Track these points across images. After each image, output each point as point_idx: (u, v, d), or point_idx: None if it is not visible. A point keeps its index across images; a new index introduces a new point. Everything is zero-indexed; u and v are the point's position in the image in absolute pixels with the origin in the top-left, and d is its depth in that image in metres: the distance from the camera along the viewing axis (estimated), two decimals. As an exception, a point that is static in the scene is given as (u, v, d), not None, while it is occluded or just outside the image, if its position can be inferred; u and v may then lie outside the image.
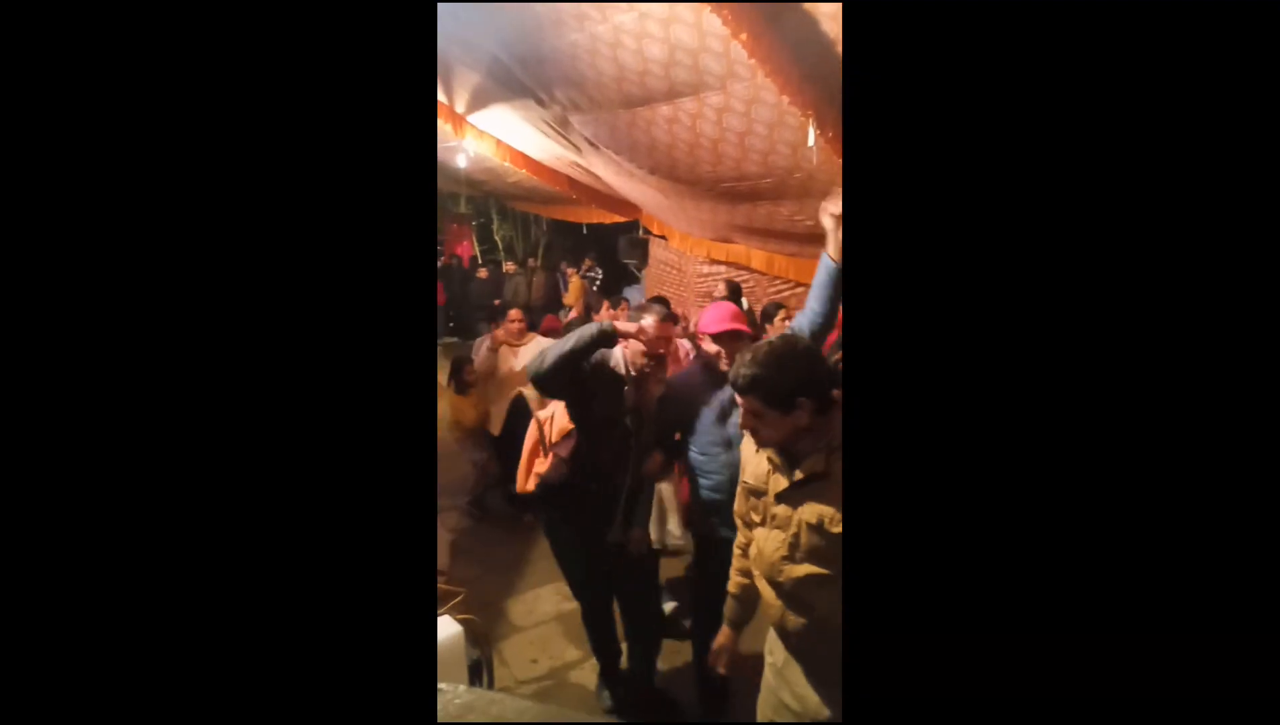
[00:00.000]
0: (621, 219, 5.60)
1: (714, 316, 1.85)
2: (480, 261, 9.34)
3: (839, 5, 1.77)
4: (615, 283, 7.18)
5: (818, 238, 3.64)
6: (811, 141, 2.21)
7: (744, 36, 1.87)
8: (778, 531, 1.16)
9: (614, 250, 6.77)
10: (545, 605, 2.73)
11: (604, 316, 4.06)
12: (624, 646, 2.09)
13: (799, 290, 4.14)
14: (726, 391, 1.78)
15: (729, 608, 1.43)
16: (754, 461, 1.24)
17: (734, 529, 1.40)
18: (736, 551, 1.41)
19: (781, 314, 3.24)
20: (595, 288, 7.15)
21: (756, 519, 1.24)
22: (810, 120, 2.13)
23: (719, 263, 4.54)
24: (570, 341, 1.66)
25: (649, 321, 1.75)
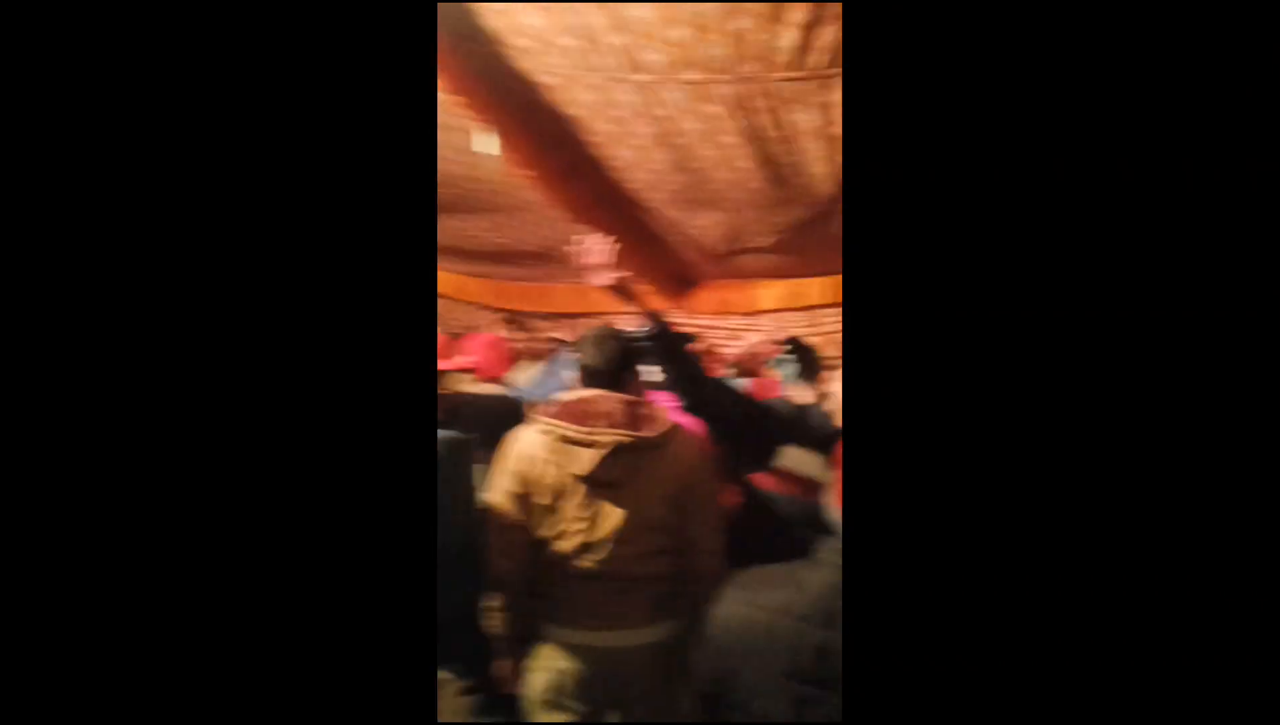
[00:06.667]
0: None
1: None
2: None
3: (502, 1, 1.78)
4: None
5: (511, 256, 3.71)
6: (484, 147, 2.18)
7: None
8: None
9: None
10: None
11: None
12: None
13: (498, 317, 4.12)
14: None
15: None
16: None
17: None
18: None
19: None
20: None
21: None
22: (480, 121, 2.11)
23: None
24: None
25: None
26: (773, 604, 0.97)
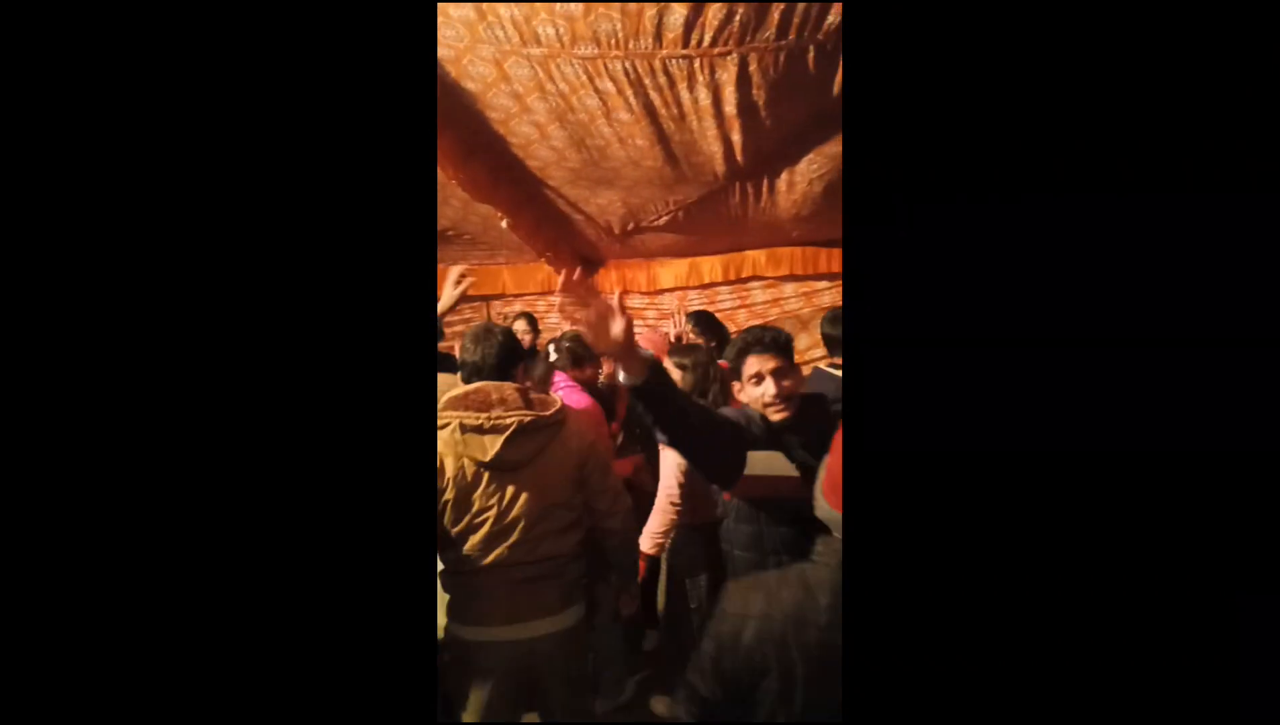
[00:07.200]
0: None
1: None
2: None
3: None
4: None
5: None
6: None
7: None
8: None
9: None
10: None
11: None
12: None
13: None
14: None
15: None
16: None
17: None
18: None
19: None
20: None
21: None
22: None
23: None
24: None
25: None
26: (785, 610, 0.96)
